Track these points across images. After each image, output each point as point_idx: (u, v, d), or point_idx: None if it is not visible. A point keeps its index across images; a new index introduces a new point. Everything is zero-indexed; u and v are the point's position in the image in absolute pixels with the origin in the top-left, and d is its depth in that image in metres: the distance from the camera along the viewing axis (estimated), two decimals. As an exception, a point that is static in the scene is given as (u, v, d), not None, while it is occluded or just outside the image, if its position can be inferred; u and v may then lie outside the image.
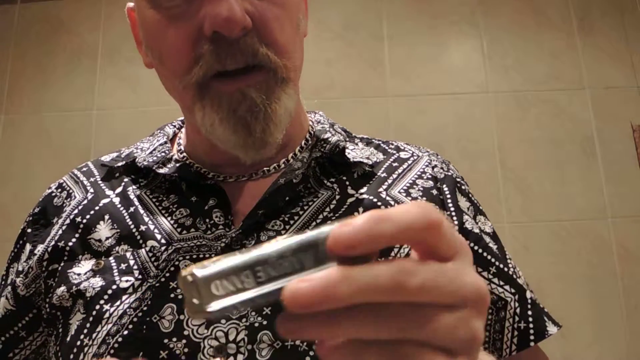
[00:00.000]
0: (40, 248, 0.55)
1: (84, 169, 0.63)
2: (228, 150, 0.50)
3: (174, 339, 0.44)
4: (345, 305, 0.23)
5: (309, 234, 0.24)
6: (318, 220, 0.51)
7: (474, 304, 0.25)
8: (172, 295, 0.47)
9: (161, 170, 0.55)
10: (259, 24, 0.47)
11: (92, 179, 0.60)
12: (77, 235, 0.54)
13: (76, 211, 0.56)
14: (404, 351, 0.24)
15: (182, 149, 0.60)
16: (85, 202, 0.57)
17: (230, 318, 0.45)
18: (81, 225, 0.54)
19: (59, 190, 0.61)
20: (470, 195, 0.61)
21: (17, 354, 0.55)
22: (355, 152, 0.59)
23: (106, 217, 0.54)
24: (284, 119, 0.50)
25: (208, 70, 0.47)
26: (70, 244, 0.53)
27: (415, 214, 0.24)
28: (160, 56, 0.51)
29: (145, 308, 0.46)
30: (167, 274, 0.48)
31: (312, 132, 0.60)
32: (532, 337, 0.52)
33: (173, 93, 0.53)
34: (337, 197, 0.54)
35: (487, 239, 0.57)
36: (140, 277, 0.49)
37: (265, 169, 0.56)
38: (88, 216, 0.55)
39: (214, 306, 0.23)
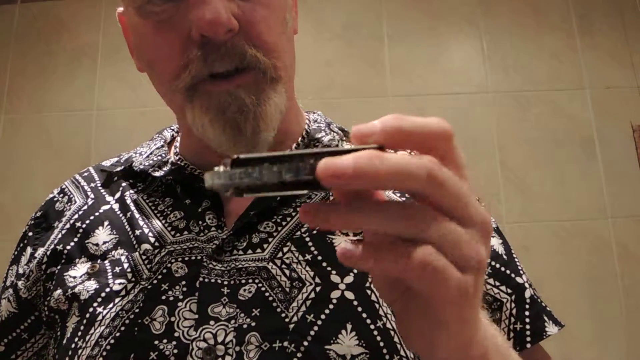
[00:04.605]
0: (40, 251, 0.55)
1: (85, 174, 0.63)
2: (220, 150, 0.50)
3: (164, 341, 0.44)
4: (375, 188, 0.24)
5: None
6: None
7: (480, 226, 0.27)
8: (163, 298, 0.47)
9: (156, 174, 0.55)
10: (246, 26, 0.47)
11: (92, 185, 0.61)
12: (75, 239, 0.54)
13: (76, 216, 0.57)
14: (420, 251, 0.25)
15: (178, 151, 0.60)
16: (86, 207, 0.57)
17: (219, 320, 0.44)
18: (80, 230, 0.55)
19: (61, 195, 0.61)
20: None
21: (19, 356, 0.56)
22: None
23: (106, 223, 0.55)
24: (275, 117, 0.49)
25: (196, 74, 0.47)
26: (68, 247, 0.54)
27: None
28: (150, 63, 0.51)
29: (137, 310, 0.47)
30: (160, 276, 0.48)
31: (308, 131, 0.60)
32: (528, 339, 0.52)
33: (164, 98, 0.53)
34: (331, 196, 0.53)
35: None
36: (133, 279, 0.49)
37: None
38: (88, 221, 0.55)
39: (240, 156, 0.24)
